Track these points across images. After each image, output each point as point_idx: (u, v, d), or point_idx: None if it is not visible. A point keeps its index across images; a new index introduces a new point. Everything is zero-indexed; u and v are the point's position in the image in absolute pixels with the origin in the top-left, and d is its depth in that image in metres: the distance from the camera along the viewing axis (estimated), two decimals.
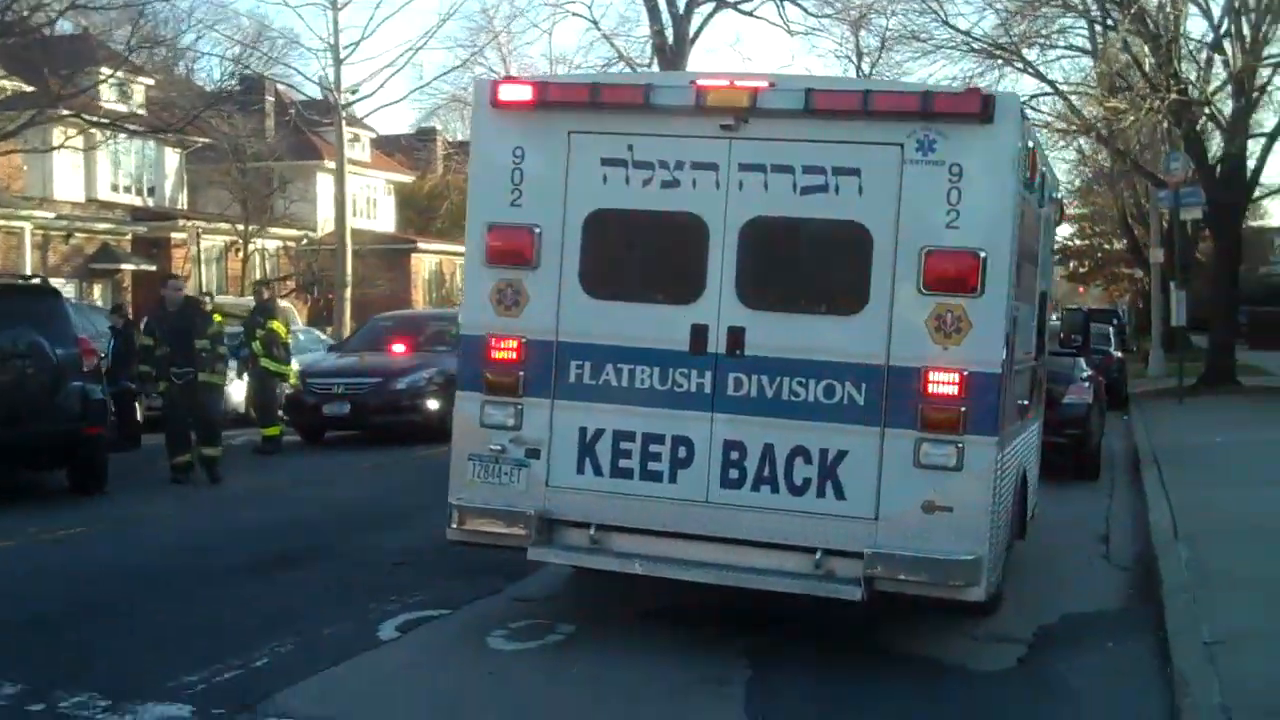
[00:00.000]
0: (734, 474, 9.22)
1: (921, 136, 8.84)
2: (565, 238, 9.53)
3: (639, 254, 9.78)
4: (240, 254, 49.93)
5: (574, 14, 71.63)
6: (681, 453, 9.33)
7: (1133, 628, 10.49)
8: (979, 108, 8.78)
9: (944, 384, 8.79)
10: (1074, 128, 37.94)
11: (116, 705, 7.91)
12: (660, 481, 9.35)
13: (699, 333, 9.29)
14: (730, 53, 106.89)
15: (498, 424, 9.65)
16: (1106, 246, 72.11)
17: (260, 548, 13.03)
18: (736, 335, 9.22)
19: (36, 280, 19.09)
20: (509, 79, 10.24)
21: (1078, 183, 64.07)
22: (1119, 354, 32.25)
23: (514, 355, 9.63)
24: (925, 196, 8.83)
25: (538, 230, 9.55)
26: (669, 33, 41.57)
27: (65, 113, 34.66)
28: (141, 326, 19.74)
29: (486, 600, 10.87)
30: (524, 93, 9.68)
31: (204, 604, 10.77)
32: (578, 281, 9.55)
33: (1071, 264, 74.43)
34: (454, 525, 9.78)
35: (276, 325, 22.51)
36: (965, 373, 8.75)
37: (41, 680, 8.33)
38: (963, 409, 8.75)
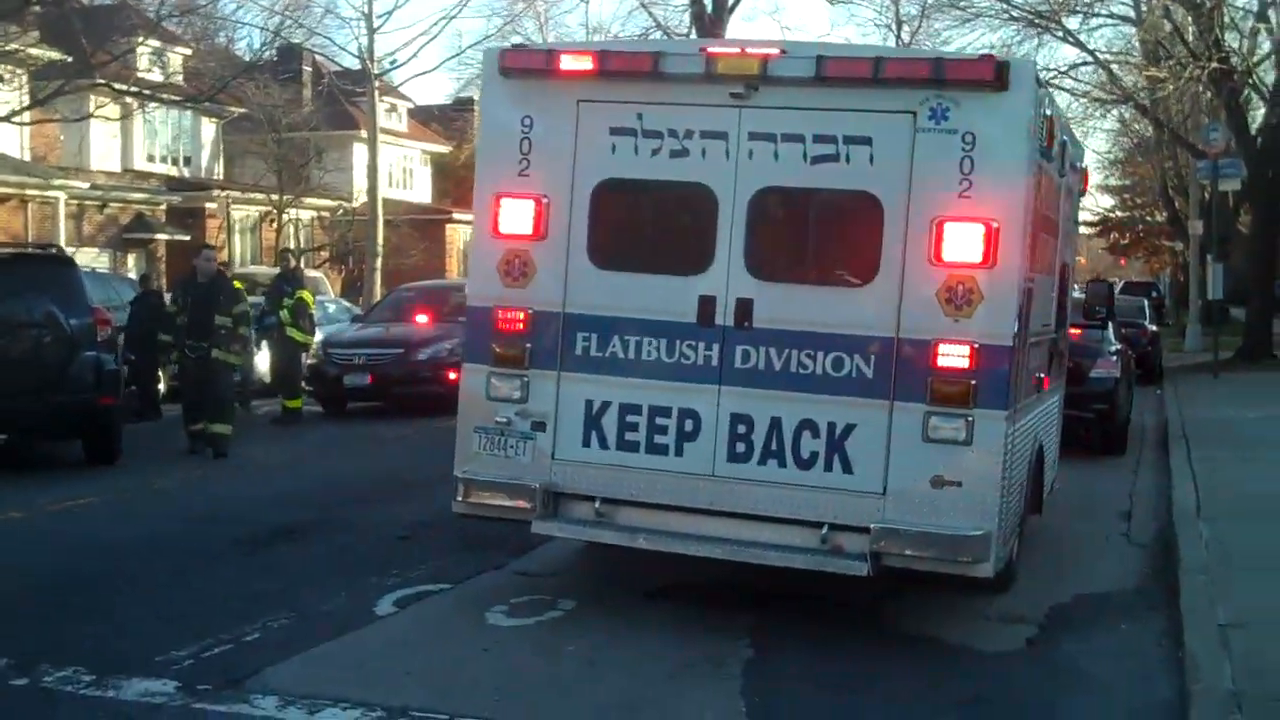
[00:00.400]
0: (741, 447, 9.07)
1: (934, 104, 8.67)
2: (573, 208, 9.39)
3: (647, 224, 9.72)
4: (275, 224, 49.89)
5: None
6: (688, 426, 9.19)
7: (1148, 608, 10.25)
8: (992, 74, 8.59)
9: (954, 356, 8.62)
10: (1114, 97, 37.52)
11: (101, 680, 7.80)
12: (666, 455, 9.22)
13: (707, 304, 9.14)
14: (769, 22, 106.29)
15: (504, 396, 9.53)
16: (1148, 219, 71.34)
17: (268, 520, 12.91)
18: (745, 307, 9.07)
19: (53, 250, 19.05)
20: (517, 47, 10.10)
21: (1118, 153, 63.56)
22: (1153, 327, 31.87)
23: (521, 327, 9.49)
24: (938, 165, 8.65)
25: (546, 200, 9.39)
26: (707, 1, 41.13)
27: (99, 81, 34.58)
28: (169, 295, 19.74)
29: (488, 575, 10.72)
30: (533, 61, 9.56)
31: (202, 577, 10.64)
32: (585, 252, 9.40)
33: (1113, 236, 73.74)
34: (459, 498, 9.68)
35: (305, 294, 22.41)
36: (976, 345, 8.58)
37: (28, 653, 8.23)
38: (973, 382, 8.58)
